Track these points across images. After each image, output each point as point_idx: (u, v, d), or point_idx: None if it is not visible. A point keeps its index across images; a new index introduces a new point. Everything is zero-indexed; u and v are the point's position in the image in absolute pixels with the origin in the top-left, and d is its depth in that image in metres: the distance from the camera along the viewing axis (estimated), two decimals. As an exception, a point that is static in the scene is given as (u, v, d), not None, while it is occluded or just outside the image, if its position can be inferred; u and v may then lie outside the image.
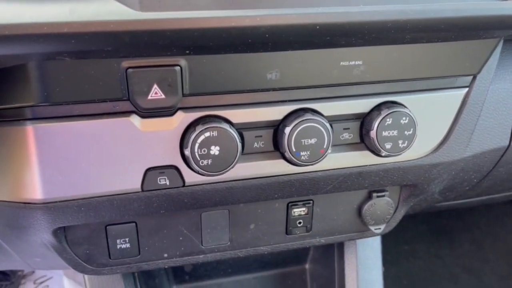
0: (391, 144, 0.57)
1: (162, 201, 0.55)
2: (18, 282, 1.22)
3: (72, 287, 1.13)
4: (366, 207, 0.67)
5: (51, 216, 0.52)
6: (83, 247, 0.59)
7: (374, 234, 0.70)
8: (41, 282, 1.25)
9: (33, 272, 1.25)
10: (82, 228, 0.58)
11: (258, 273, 0.93)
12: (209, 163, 0.52)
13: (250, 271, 0.93)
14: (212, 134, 0.51)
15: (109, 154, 0.51)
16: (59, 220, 0.53)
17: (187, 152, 0.51)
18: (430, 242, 1.51)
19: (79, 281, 1.15)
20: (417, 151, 0.61)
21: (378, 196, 0.66)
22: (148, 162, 0.52)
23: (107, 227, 0.59)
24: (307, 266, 0.95)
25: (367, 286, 0.81)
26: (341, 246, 0.83)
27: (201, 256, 0.65)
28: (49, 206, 0.51)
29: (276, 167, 0.57)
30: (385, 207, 0.67)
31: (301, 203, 0.65)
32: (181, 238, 0.63)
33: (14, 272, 1.22)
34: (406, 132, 0.57)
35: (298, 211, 0.65)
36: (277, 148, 0.56)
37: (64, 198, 0.51)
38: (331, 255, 0.87)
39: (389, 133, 0.56)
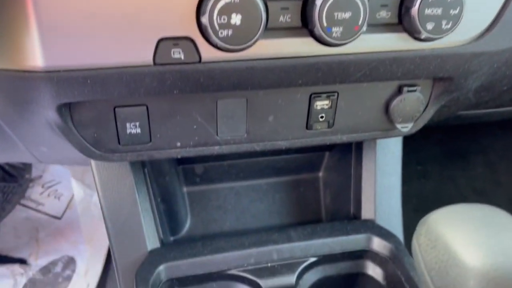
0: (433, 24, 0.50)
1: (176, 79, 0.50)
2: (26, 185, 1.22)
3: (80, 189, 1.13)
4: (395, 102, 0.62)
5: (55, 88, 0.48)
6: (90, 129, 0.55)
7: (400, 134, 0.66)
8: (50, 186, 1.24)
9: (40, 176, 1.24)
10: (89, 108, 0.54)
11: (270, 179, 0.91)
12: (229, 34, 0.46)
13: (262, 176, 0.90)
14: (234, 0, 0.44)
15: (117, 18, 0.45)
16: (64, 94, 0.48)
17: (204, 19, 0.45)
18: (443, 164, 1.48)
19: (87, 184, 1.14)
20: (460, 36, 0.54)
21: (409, 91, 0.61)
22: (161, 31, 0.47)
23: (116, 109, 0.54)
24: (320, 174, 0.93)
25: (385, 192, 0.78)
26: (359, 150, 0.80)
27: (216, 148, 0.61)
28: (51, 76, 0.46)
29: (303, 46, 0.51)
30: (415, 103, 0.62)
31: (325, 94, 0.60)
32: (195, 127, 0.59)
33: (21, 174, 1.21)
34: (451, 11, 0.50)
35: (321, 104, 0.60)
36: (305, 25, 0.50)
37: (68, 67, 0.46)
38: (348, 162, 0.84)
39: (432, 11, 0.49)
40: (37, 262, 1.15)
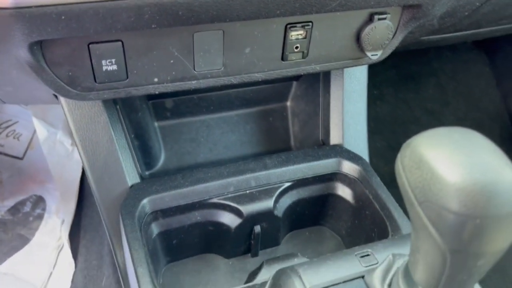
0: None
1: (154, 12, 0.49)
2: (-19, 127, 1.16)
3: (43, 128, 1.09)
4: (366, 30, 0.63)
5: (26, 26, 0.45)
6: (64, 68, 0.53)
7: (370, 61, 0.68)
8: (7, 127, 1.19)
9: (-4, 116, 1.18)
10: (62, 46, 0.51)
11: (240, 110, 0.92)
12: (210, -35, 0.45)
13: (232, 108, 0.92)
14: None
15: None
16: (36, 31, 0.46)
17: None
18: (398, 87, 1.55)
19: (50, 122, 1.11)
20: (432, -37, 0.55)
21: (379, 19, 0.63)
22: (138, -38, 0.44)
23: (90, 45, 0.52)
24: (288, 103, 0.95)
25: (352, 118, 0.82)
26: (327, 79, 0.82)
27: (193, 82, 0.61)
28: (23, 13, 0.44)
29: (281, -24, 0.50)
30: (385, 31, 0.64)
31: (300, 25, 0.60)
32: (172, 61, 0.58)
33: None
34: None
35: (296, 34, 0.61)
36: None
37: (40, 2, 0.44)
38: (315, 90, 0.86)
39: None
40: (4, 203, 1.13)
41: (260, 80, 0.64)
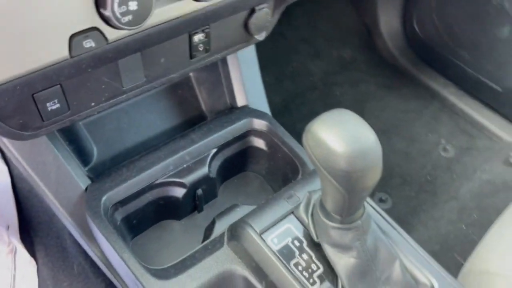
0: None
1: (89, 62, 0.58)
2: None
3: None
4: (251, 21, 0.78)
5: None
6: (15, 118, 0.61)
7: (258, 40, 0.84)
8: None
9: None
10: (9, 103, 0.59)
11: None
12: (130, 19, 0.55)
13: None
14: (127, -10, 0.53)
15: (28, 24, 0.50)
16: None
17: (107, 12, 0.53)
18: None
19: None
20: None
21: (259, 9, 0.77)
22: (71, 28, 0.53)
23: (34, 95, 0.60)
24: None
25: (251, 80, 0.98)
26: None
27: (123, 96, 0.72)
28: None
29: (185, 7, 0.62)
30: (265, 17, 0.79)
31: (200, 29, 0.73)
32: (103, 86, 0.68)
33: None
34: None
35: (198, 37, 0.74)
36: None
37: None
38: (214, 63, 1.00)
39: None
40: None
41: (176, 80, 0.77)
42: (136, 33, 0.60)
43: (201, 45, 0.75)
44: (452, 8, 1.58)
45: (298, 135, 0.88)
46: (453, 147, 1.58)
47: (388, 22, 1.74)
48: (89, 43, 0.56)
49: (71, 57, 0.55)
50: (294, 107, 1.64)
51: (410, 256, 0.68)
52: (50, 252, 1.04)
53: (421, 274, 0.66)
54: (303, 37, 1.77)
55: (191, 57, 0.76)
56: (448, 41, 1.63)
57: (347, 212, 0.60)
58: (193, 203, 0.92)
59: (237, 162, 0.98)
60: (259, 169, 1.01)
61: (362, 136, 0.54)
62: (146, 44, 0.63)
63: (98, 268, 0.92)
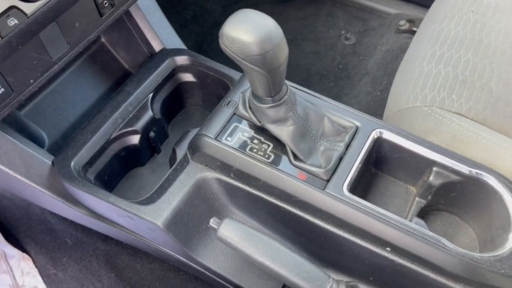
0: None
1: (18, 38, 0.66)
2: None
3: None
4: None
5: None
6: None
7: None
8: None
9: None
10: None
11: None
12: (41, -10, 0.63)
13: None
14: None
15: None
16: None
17: None
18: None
19: None
20: None
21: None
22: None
23: None
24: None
25: (157, 24, 1.07)
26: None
27: (55, 67, 0.79)
28: None
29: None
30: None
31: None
32: (35, 62, 0.75)
33: None
34: None
35: None
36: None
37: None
38: (122, 22, 1.07)
39: None
40: None
41: (95, 38, 0.85)
42: (47, 2, 0.67)
43: (105, 1, 0.83)
44: None
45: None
46: (352, 34, 1.77)
47: None
48: (12, 21, 0.63)
49: (1, 37, 0.62)
50: (207, 46, 1.74)
51: (333, 112, 0.84)
52: (39, 240, 1.12)
53: (346, 121, 0.83)
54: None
55: (101, 15, 0.84)
56: None
57: (274, 91, 0.74)
58: (150, 147, 1.03)
59: (175, 100, 1.09)
60: (197, 101, 1.13)
61: (264, 24, 0.67)
62: (58, 11, 0.70)
63: (90, 229, 1.02)
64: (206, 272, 0.87)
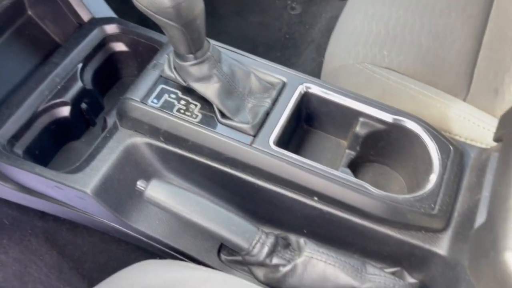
0: None
1: None
2: None
3: None
4: None
5: None
6: None
7: None
8: None
9: None
10: None
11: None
12: None
13: None
14: None
15: None
16: None
17: None
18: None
19: None
20: None
21: None
22: None
23: None
24: (29, 12, 1.09)
25: None
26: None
27: None
28: None
29: None
30: None
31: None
32: None
33: None
34: None
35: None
36: None
37: None
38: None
39: None
40: None
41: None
42: None
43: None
44: None
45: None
46: (298, 3, 1.76)
47: None
48: None
49: None
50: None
51: (261, 69, 0.84)
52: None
53: (273, 78, 0.83)
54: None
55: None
56: None
57: (194, 47, 0.73)
58: (83, 119, 1.00)
59: (108, 71, 1.06)
60: (132, 71, 1.10)
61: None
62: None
63: (26, 207, 0.99)
64: (144, 239, 0.87)
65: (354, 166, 0.86)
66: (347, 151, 0.83)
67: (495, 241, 0.49)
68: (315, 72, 1.53)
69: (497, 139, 0.67)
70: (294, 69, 0.84)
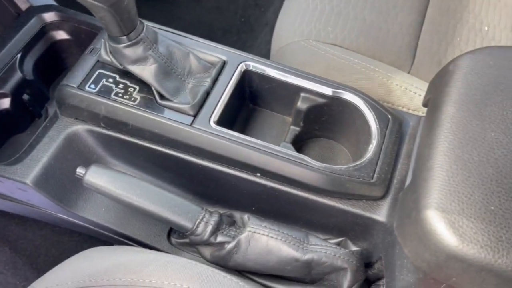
0: None
1: None
2: None
3: None
4: None
5: None
6: None
7: None
8: None
9: None
10: None
11: None
12: None
13: None
14: None
15: None
16: None
17: None
18: None
19: None
20: None
21: None
22: None
23: None
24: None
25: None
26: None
27: None
28: None
29: None
30: None
31: None
32: None
33: None
34: None
35: None
36: None
37: None
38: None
39: None
40: None
41: None
42: None
43: None
44: None
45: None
46: (253, -14, 1.75)
47: None
48: None
49: None
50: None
51: (200, 49, 0.83)
52: None
53: (213, 57, 0.82)
54: None
55: None
56: None
57: (126, 28, 0.72)
58: (27, 111, 0.98)
59: (51, 61, 1.03)
60: (76, 60, 1.07)
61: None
62: None
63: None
64: (92, 227, 0.85)
65: (301, 142, 0.86)
66: (292, 127, 0.83)
67: (417, 201, 0.50)
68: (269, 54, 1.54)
69: (424, 104, 0.68)
70: (250, 52, 0.84)
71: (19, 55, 0.94)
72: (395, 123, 0.76)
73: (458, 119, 0.53)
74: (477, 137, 0.51)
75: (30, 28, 0.97)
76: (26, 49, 0.96)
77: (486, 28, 1.09)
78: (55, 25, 1.00)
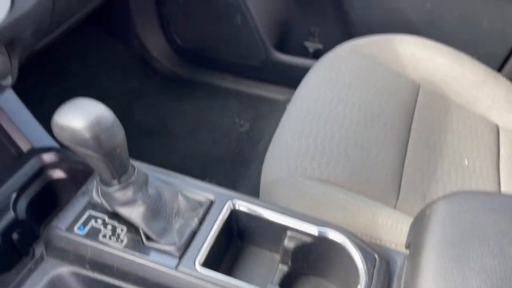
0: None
1: None
2: None
3: None
4: None
5: None
6: None
7: (7, 86, 0.95)
8: None
9: None
10: None
11: None
12: None
13: None
14: None
15: None
16: None
17: None
18: None
19: None
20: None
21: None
22: None
23: None
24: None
25: (22, 122, 1.07)
26: None
27: None
28: None
29: None
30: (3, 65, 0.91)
31: None
32: None
33: None
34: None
35: None
36: None
37: None
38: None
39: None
40: None
41: None
42: None
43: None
44: (195, 14, 1.89)
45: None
46: (245, 121, 1.87)
47: (154, 42, 1.99)
48: None
49: None
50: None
51: (189, 188, 0.86)
52: None
53: (200, 197, 0.85)
54: (80, 81, 1.90)
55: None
56: (204, 39, 1.95)
57: (117, 173, 0.75)
58: (15, 249, 0.97)
59: (46, 200, 1.05)
60: (69, 199, 1.10)
61: (91, 109, 0.69)
62: None
63: None
64: None
65: (291, 280, 0.84)
66: (280, 266, 0.82)
67: None
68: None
69: (407, 246, 0.68)
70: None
71: (14, 195, 0.97)
72: (382, 263, 0.76)
73: (438, 266, 0.53)
74: (458, 286, 0.50)
75: (28, 168, 1.01)
76: (22, 189, 0.99)
77: (466, 162, 1.14)
78: (53, 165, 1.05)
